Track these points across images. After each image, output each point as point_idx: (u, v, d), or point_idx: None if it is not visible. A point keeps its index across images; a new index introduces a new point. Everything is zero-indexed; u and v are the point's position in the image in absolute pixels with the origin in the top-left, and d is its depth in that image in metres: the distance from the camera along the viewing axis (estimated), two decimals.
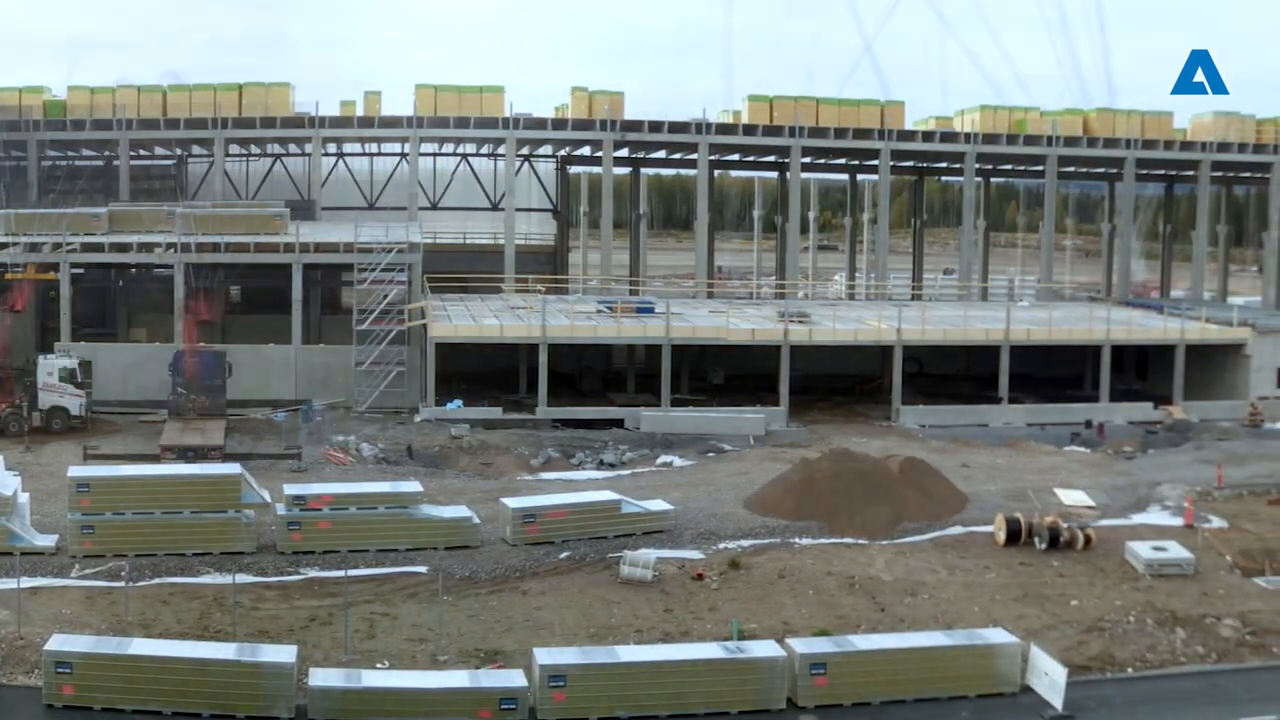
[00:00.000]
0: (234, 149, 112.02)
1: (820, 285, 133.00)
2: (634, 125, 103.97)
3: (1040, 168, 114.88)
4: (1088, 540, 56.61)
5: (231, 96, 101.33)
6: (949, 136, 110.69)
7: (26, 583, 48.81)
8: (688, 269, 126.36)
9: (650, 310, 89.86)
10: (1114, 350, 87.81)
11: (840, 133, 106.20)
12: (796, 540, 57.05)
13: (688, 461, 72.96)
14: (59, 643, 42.52)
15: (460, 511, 56.77)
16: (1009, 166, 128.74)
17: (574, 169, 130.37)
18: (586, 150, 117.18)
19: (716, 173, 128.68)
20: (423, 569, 52.33)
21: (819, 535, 57.76)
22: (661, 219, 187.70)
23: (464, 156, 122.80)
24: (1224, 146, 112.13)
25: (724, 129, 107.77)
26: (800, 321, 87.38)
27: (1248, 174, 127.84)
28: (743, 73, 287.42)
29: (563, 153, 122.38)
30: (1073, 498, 63.94)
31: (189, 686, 41.31)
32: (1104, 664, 47.55)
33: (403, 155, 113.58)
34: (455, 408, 79.40)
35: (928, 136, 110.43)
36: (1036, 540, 56.73)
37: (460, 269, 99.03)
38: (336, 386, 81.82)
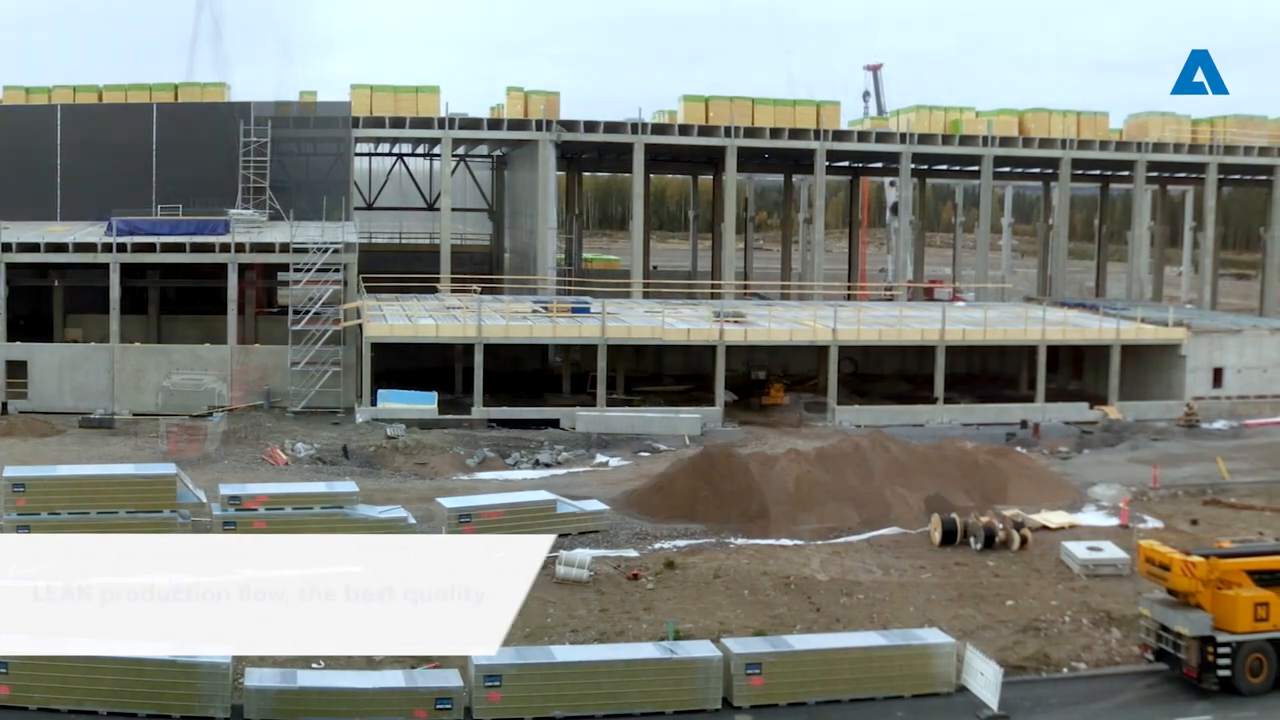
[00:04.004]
0: None
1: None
2: (570, 125, 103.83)
3: (976, 168, 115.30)
4: (1023, 540, 56.82)
5: (167, 96, 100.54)
6: (884, 137, 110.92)
7: None
8: (623, 268, 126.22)
9: (586, 310, 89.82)
10: (1050, 350, 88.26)
11: (775, 133, 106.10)
12: (731, 540, 57.11)
13: (623, 461, 72.99)
14: None
15: (396, 512, 56.60)
16: (944, 167, 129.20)
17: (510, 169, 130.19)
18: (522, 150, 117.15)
19: (652, 173, 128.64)
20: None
21: (755, 535, 57.87)
22: (597, 219, 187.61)
23: (399, 156, 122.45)
24: (1159, 147, 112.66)
25: (659, 129, 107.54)
26: (736, 322, 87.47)
27: (1183, 174, 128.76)
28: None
29: (499, 153, 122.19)
30: None
31: (125, 686, 40.97)
32: (1040, 664, 47.66)
33: (338, 155, 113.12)
34: (392, 401, 79.12)
35: (863, 137, 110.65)
36: (972, 540, 56.93)
37: (396, 269, 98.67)
38: (272, 386, 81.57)
